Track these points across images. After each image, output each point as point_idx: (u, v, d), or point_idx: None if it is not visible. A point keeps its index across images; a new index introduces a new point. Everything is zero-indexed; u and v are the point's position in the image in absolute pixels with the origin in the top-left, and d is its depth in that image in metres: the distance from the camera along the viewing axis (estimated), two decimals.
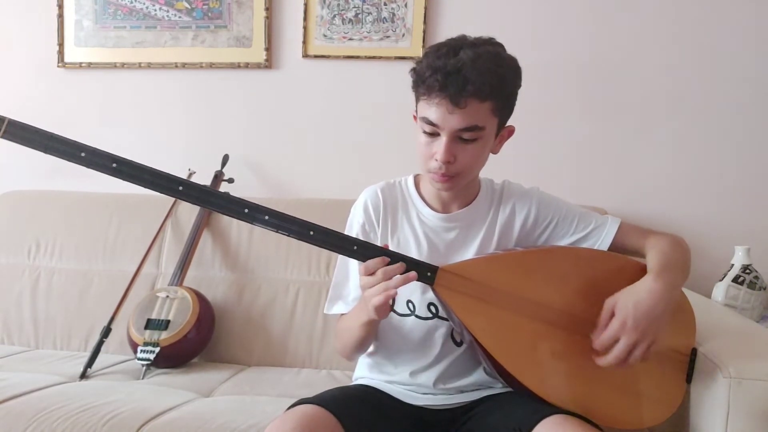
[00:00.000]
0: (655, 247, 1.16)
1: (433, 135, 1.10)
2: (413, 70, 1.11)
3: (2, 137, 0.93)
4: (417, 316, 1.20)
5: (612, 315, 1.07)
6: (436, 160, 1.10)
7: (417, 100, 1.13)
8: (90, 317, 1.88)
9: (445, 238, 1.21)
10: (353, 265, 1.22)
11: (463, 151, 1.10)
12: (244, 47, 2.14)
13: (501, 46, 1.13)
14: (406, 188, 1.26)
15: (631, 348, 1.05)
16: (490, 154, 1.18)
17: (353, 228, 1.25)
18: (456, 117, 1.06)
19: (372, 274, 1.03)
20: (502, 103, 1.10)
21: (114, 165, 0.96)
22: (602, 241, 1.21)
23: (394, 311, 1.21)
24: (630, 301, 1.07)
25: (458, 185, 1.16)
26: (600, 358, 1.07)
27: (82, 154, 0.95)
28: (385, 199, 1.24)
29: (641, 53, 2.01)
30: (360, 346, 1.21)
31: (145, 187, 0.99)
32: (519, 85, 1.14)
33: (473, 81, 1.04)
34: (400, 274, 1.03)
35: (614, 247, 1.21)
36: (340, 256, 1.24)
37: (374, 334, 1.19)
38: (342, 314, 1.25)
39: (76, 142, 0.95)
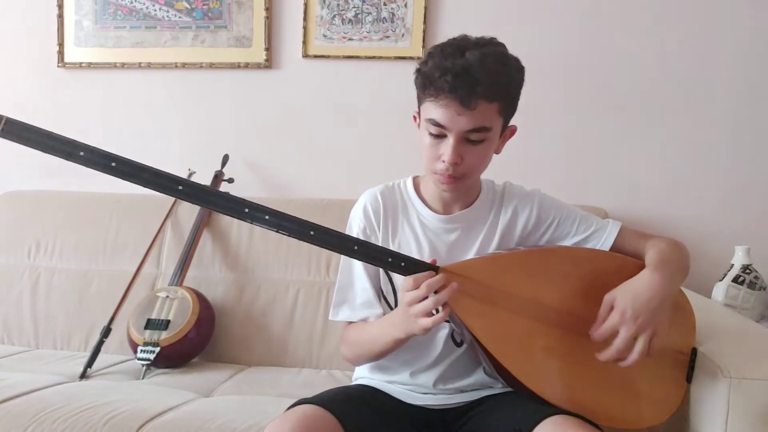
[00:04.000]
0: (654, 247, 1.16)
1: (440, 136, 1.09)
2: (418, 71, 1.10)
3: (0, 136, 0.92)
4: None
5: (611, 309, 1.07)
6: (443, 161, 1.09)
7: (421, 101, 1.12)
8: (90, 317, 1.88)
9: (446, 239, 1.21)
10: (358, 267, 1.22)
11: (470, 153, 1.09)
12: (244, 47, 2.14)
13: (504, 46, 1.12)
14: (405, 191, 1.26)
15: (631, 340, 1.04)
16: (493, 154, 1.18)
17: (353, 231, 1.24)
18: (464, 118, 1.05)
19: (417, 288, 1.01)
20: (508, 102, 1.10)
21: (113, 164, 0.95)
22: (603, 244, 1.22)
23: (391, 309, 1.21)
24: (628, 293, 1.07)
25: (463, 186, 1.16)
26: (600, 353, 1.06)
27: (81, 153, 0.94)
28: (385, 203, 1.23)
29: (641, 53, 2.01)
30: (382, 358, 1.18)
31: (144, 186, 0.98)
32: (523, 85, 1.14)
33: (483, 82, 1.03)
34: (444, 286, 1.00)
35: (614, 250, 1.21)
36: (344, 259, 1.23)
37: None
38: (350, 322, 1.23)
39: (74, 140, 0.94)
